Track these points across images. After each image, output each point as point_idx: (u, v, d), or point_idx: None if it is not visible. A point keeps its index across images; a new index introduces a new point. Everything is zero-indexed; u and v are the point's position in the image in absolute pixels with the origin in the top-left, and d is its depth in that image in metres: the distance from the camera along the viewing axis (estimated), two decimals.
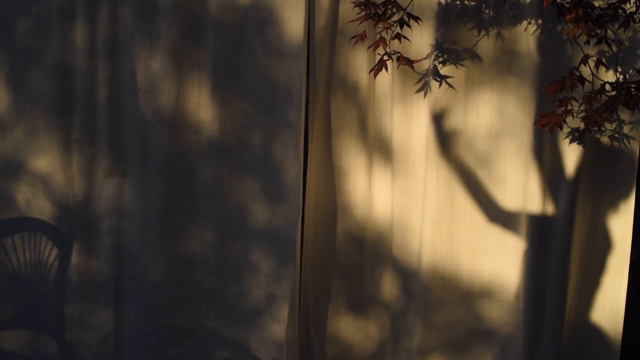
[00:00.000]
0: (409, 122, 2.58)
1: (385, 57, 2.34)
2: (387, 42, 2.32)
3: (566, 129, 2.48)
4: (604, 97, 2.35)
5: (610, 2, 2.34)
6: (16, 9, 2.64)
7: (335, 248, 2.70)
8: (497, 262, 2.61)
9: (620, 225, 2.55)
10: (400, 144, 2.59)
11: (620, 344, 2.61)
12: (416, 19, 2.36)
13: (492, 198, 2.58)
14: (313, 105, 2.61)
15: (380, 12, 2.30)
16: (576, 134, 2.47)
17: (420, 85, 2.55)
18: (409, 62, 2.36)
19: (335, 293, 2.73)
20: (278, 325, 2.67)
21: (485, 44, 2.51)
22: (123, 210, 2.73)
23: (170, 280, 2.72)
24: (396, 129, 2.58)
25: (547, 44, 2.46)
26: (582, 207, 2.57)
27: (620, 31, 2.33)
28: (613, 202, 2.54)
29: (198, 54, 2.61)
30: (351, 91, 2.61)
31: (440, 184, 2.58)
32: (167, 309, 2.73)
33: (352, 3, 2.39)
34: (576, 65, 2.35)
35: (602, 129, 2.49)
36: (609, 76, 2.44)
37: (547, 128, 2.32)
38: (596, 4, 2.34)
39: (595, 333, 2.62)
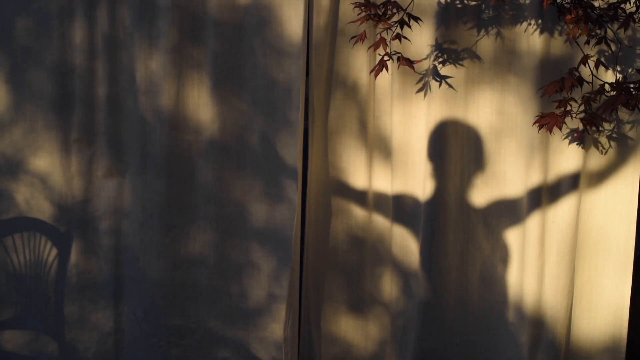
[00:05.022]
0: (408, 122, 2.58)
1: (386, 58, 2.34)
2: (387, 43, 2.32)
3: (565, 129, 2.48)
4: (603, 98, 2.35)
5: (610, 2, 2.35)
6: (15, 8, 2.64)
7: (335, 248, 2.70)
8: (497, 263, 2.61)
9: (623, 228, 2.54)
10: (400, 144, 2.59)
11: (624, 348, 2.59)
12: (416, 19, 2.36)
13: (492, 198, 2.58)
14: (313, 105, 2.61)
15: (380, 13, 2.29)
16: (575, 135, 2.47)
17: (420, 85, 2.55)
18: (409, 62, 2.36)
19: (336, 293, 2.73)
20: (278, 325, 2.68)
21: (485, 44, 2.51)
22: (122, 211, 2.73)
23: (170, 281, 2.72)
24: (396, 129, 2.58)
25: (547, 43, 2.46)
26: (584, 208, 2.56)
27: (620, 31, 2.33)
28: (615, 203, 2.53)
29: (198, 54, 2.61)
30: (351, 91, 2.61)
31: (439, 184, 2.58)
32: (167, 309, 2.73)
33: (353, 4, 2.39)
34: (576, 65, 2.35)
35: (601, 129, 2.48)
36: (609, 76, 2.44)
37: (546, 129, 2.32)
38: (596, 4, 2.34)
39: (599, 337, 2.61)
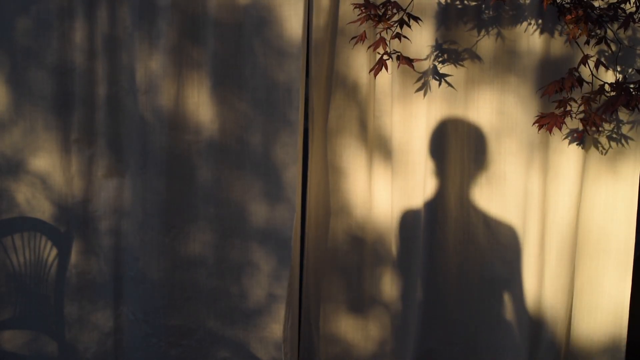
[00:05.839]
0: (408, 122, 2.58)
1: (385, 57, 2.34)
2: (387, 42, 2.32)
3: (565, 130, 2.47)
4: (603, 98, 2.35)
5: (610, 2, 2.34)
6: (15, 8, 2.64)
7: (335, 248, 2.70)
8: (497, 263, 2.61)
9: (623, 228, 2.52)
10: (400, 144, 2.59)
11: (624, 348, 2.58)
12: (416, 19, 2.35)
13: (492, 198, 2.58)
14: (313, 105, 2.61)
15: (380, 13, 2.29)
16: (575, 135, 2.47)
17: (420, 84, 2.55)
18: (409, 62, 2.35)
19: (336, 293, 2.73)
20: (278, 325, 2.67)
21: (486, 44, 2.50)
22: (122, 211, 2.73)
23: (169, 281, 2.72)
24: (396, 129, 2.58)
25: (547, 43, 2.46)
26: (584, 208, 2.56)
27: (620, 31, 2.33)
28: (615, 203, 2.53)
29: (197, 54, 2.60)
30: (351, 91, 2.61)
31: (440, 184, 2.58)
32: (167, 309, 2.73)
33: (352, 4, 2.39)
34: (576, 65, 2.35)
35: (601, 129, 2.48)
36: (609, 76, 2.44)
37: (545, 129, 2.32)
38: (596, 4, 2.33)
39: (599, 336, 2.60)
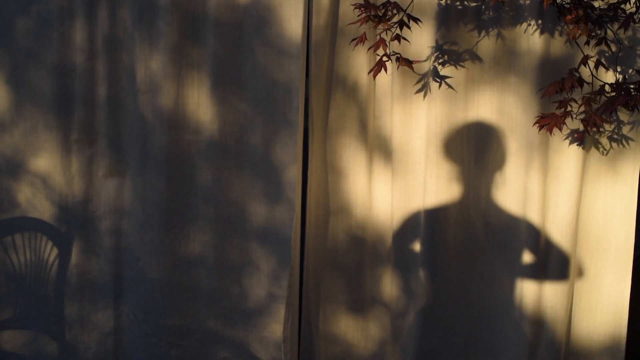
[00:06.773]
0: (409, 122, 2.58)
1: (385, 58, 2.34)
2: (387, 43, 2.32)
3: (566, 130, 2.48)
4: (603, 98, 2.35)
5: (610, 2, 2.34)
6: (16, 8, 2.64)
7: (335, 248, 2.70)
8: (497, 263, 2.61)
9: (623, 227, 2.53)
10: (400, 144, 2.59)
11: (624, 347, 2.59)
12: (416, 20, 2.35)
13: (493, 197, 2.58)
14: (313, 105, 2.61)
15: (380, 14, 2.29)
16: (576, 135, 2.47)
17: (420, 85, 2.54)
18: (409, 63, 2.35)
19: (335, 293, 2.73)
20: (278, 325, 2.68)
21: (486, 44, 2.50)
22: (122, 211, 2.73)
23: (169, 281, 2.72)
24: (396, 129, 2.58)
25: (547, 44, 2.45)
26: (584, 208, 2.56)
27: (620, 31, 2.33)
28: (615, 203, 2.53)
29: (197, 54, 2.60)
30: (351, 91, 2.61)
31: (440, 184, 2.58)
32: (167, 309, 2.73)
33: (352, 5, 2.39)
34: (576, 65, 2.35)
35: (601, 130, 2.48)
36: (609, 76, 2.44)
37: (546, 129, 2.32)
38: (596, 4, 2.33)
39: (599, 336, 2.61)
